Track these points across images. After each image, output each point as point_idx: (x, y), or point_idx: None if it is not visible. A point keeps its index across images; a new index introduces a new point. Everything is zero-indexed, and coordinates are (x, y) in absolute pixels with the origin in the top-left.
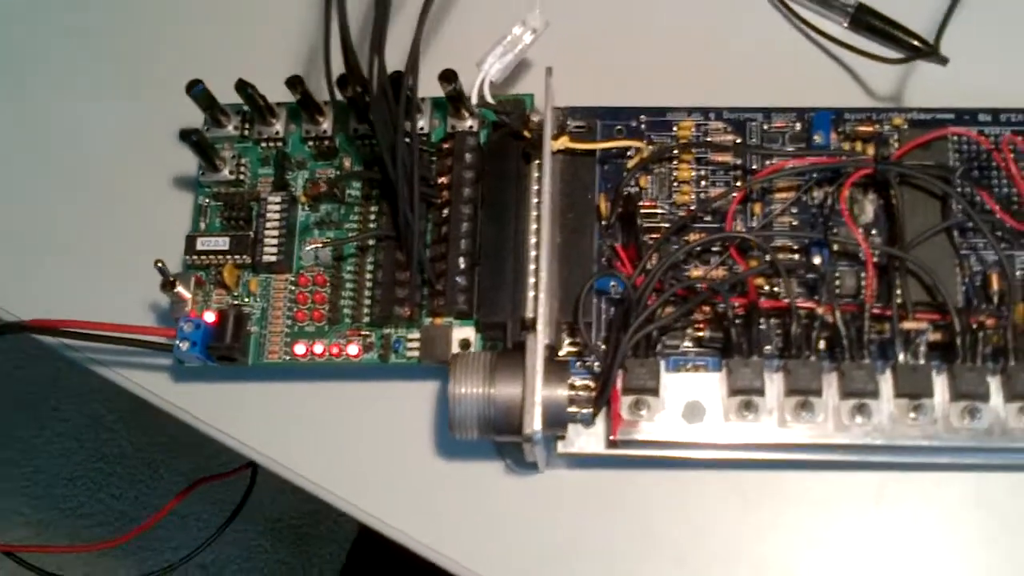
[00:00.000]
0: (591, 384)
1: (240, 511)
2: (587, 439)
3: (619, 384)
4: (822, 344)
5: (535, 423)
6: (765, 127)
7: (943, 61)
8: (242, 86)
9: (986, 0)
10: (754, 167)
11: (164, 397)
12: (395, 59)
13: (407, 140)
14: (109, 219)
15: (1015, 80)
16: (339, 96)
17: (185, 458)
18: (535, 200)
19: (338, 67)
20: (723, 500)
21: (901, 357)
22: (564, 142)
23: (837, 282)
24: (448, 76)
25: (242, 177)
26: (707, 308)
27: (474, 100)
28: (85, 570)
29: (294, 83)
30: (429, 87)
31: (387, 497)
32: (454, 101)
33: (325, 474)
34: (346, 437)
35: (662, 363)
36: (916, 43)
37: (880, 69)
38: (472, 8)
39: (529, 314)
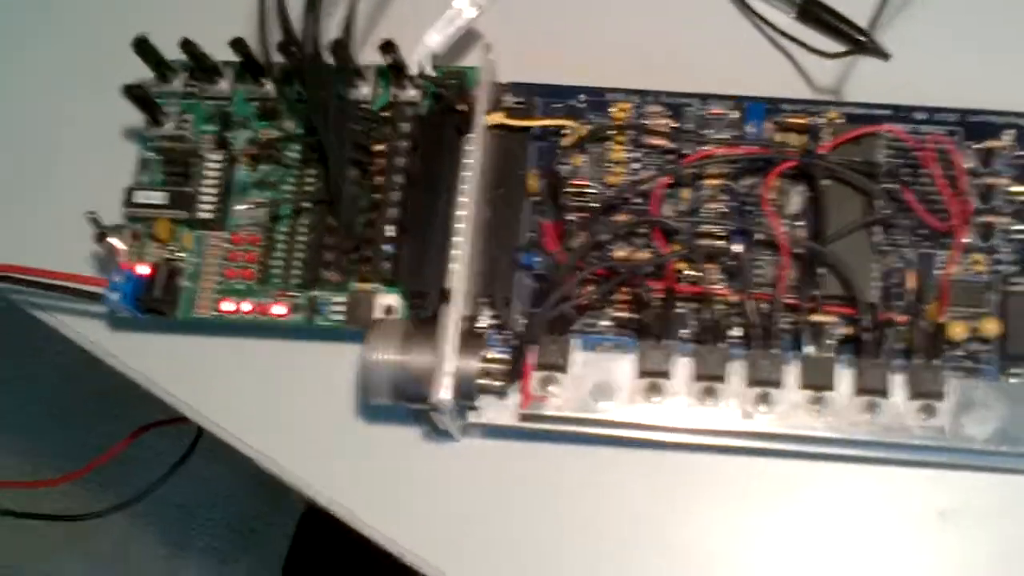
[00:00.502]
0: (505, 357)
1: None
2: (499, 411)
3: (531, 359)
4: (739, 331)
5: (442, 392)
6: (702, 113)
7: (885, 57)
8: (187, 44)
9: None
10: (687, 152)
11: (99, 344)
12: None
13: (339, 106)
14: (59, 169)
15: (956, 79)
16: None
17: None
18: (465, 173)
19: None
20: (632, 479)
21: (810, 349)
22: (498, 117)
23: (760, 271)
24: (386, 47)
25: (185, 133)
26: (628, 289)
27: (414, 71)
28: (54, 506)
29: (237, 45)
30: (377, 55)
31: (306, 455)
32: (396, 71)
33: (247, 428)
34: (272, 394)
35: (577, 341)
36: (860, 38)
37: (824, 62)
38: None
39: (449, 285)
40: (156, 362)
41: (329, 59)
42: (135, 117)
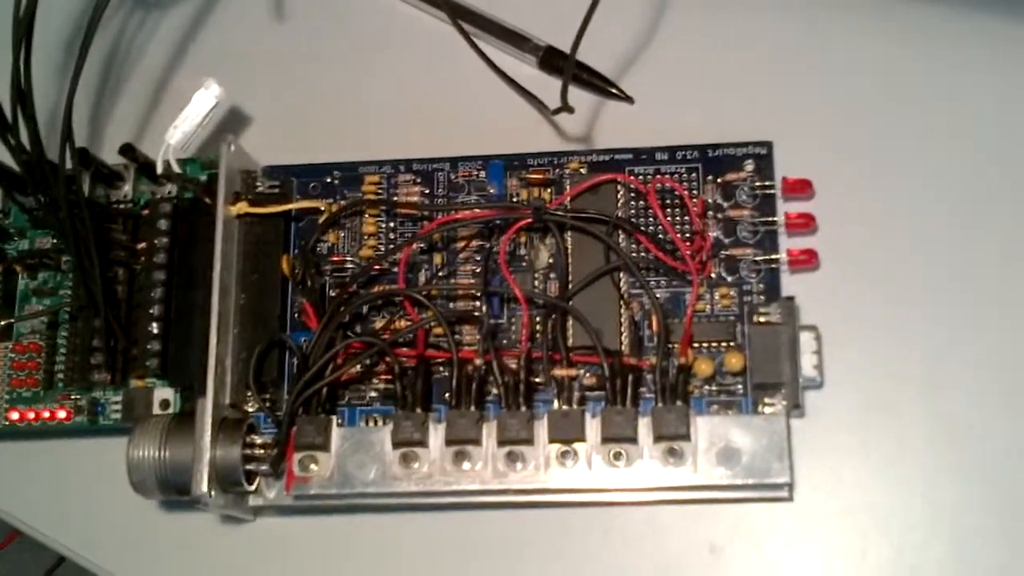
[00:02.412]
0: (271, 441)
1: None
2: (279, 492)
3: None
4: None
5: (202, 485)
6: (452, 177)
7: (629, 100)
8: None
9: (674, 38)
10: (438, 216)
11: None
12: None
13: (75, 211)
14: None
15: (697, 117)
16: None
17: None
18: (213, 263)
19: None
20: (415, 542)
21: (555, 404)
22: (242, 208)
23: (513, 329)
24: (125, 149)
25: None
26: (384, 359)
27: (159, 170)
28: None
29: None
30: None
31: (106, 546)
32: (148, 171)
33: (53, 526)
34: (71, 491)
35: (339, 417)
36: (599, 84)
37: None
38: (188, 80)
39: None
40: None
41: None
42: None
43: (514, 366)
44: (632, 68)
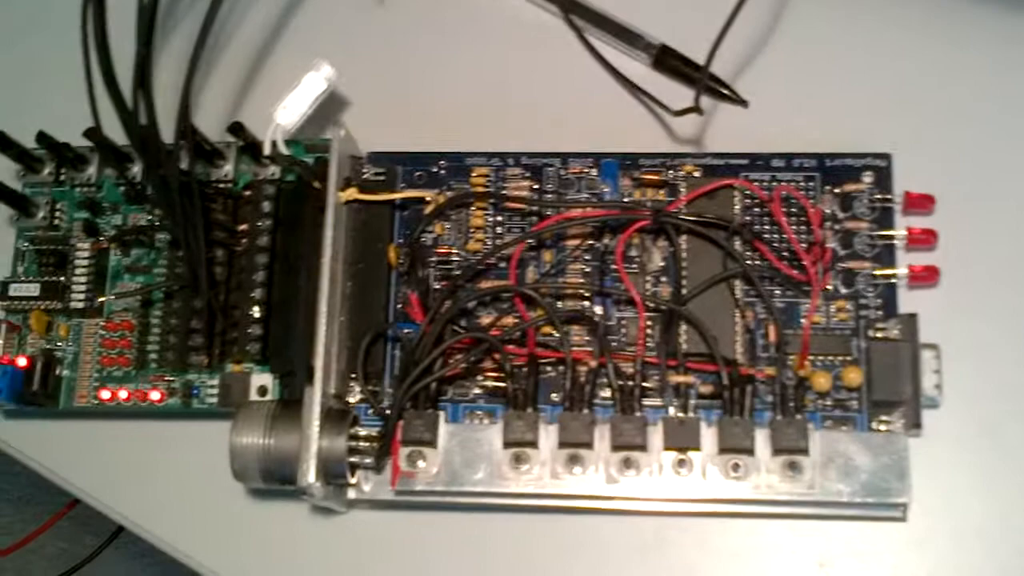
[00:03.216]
0: (376, 433)
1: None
2: (378, 485)
3: (399, 435)
4: (607, 393)
5: (310, 475)
6: (562, 173)
7: (743, 103)
8: (43, 137)
9: (791, 41)
10: (549, 212)
11: None
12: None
13: (186, 188)
14: None
15: (813, 123)
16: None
17: None
18: (323, 250)
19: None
20: (513, 543)
21: (671, 411)
22: (352, 193)
23: (624, 330)
24: (235, 128)
25: (57, 222)
26: (492, 356)
27: (266, 151)
28: None
29: (90, 134)
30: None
31: (195, 534)
32: (252, 151)
33: (137, 510)
34: (159, 475)
35: (445, 413)
36: (715, 86)
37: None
38: (286, 59)
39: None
40: (43, 447)
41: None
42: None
43: (628, 369)
44: (746, 70)
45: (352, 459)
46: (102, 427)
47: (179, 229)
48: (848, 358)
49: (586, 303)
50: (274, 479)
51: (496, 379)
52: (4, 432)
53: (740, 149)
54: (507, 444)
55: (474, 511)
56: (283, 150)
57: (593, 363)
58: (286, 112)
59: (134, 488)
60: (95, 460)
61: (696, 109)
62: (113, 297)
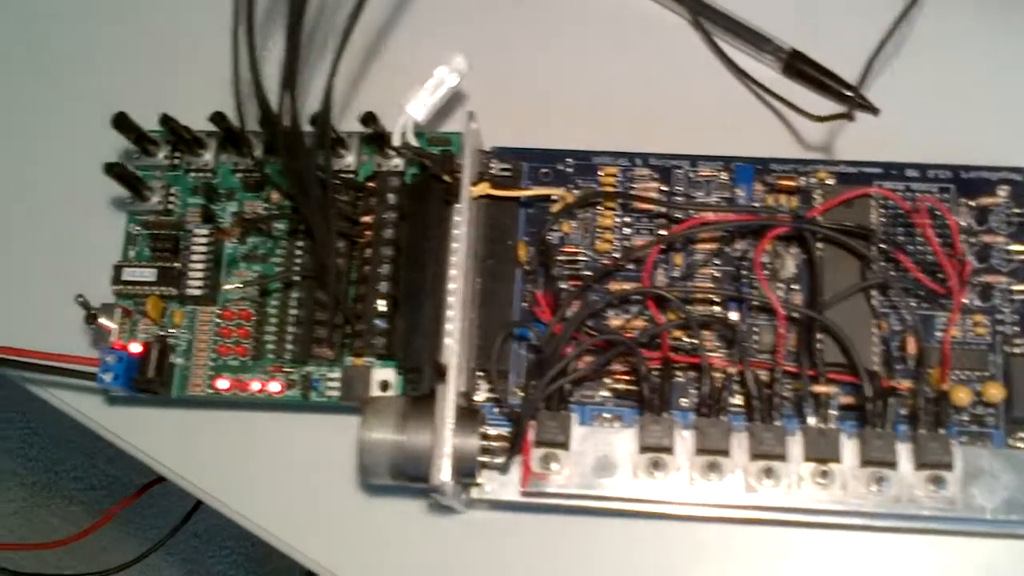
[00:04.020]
0: (504, 433)
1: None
2: (501, 486)
3: (530, 435)
4: (738, 400)
5: (444, 474)
6: (691, 175)
7: (874, 111)
8: (166, 121)
9: (922, 49)
10: (678, 215)
11: (94, 419)
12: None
13: (322, 180)
14: (47, 243)
15: (946, 134)
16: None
17: None
18: (454, 245)
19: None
20: (637, 550)
21: (811, 420)
22: (484, 188)
23: (756, 337)
24: (367, 119)
25: (171, 207)
26: (625, 358)
27: (396, 142)
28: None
29: (217, 119)
30: (357, 123)
31: (306, 529)
32: (378, 140)
33: (246, 502)
34: (270, 467)
35: (575, 415)
36: (847, 92)
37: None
38: (411, 47)
39: (444, 361)
40: (152, 437)
41: (309, 130)
42: (120, 190)
43: (764, 377)
44: (877, 77)
45: (482, 458)
46: (204, 416)
47: (314, 222)
48: (985, 373)
49: (716, 308)
50: (404, 476)
51: (627, 382)
52: (105, 419)
53: (867, 157)
54: (643, 449)
55: (596, 515)
56: (412, 142)
57: (732, 369)
58: (419, 104)
59: (244, 480)
60: (198, 449)
61: (847, 115)
62: (241, 285)
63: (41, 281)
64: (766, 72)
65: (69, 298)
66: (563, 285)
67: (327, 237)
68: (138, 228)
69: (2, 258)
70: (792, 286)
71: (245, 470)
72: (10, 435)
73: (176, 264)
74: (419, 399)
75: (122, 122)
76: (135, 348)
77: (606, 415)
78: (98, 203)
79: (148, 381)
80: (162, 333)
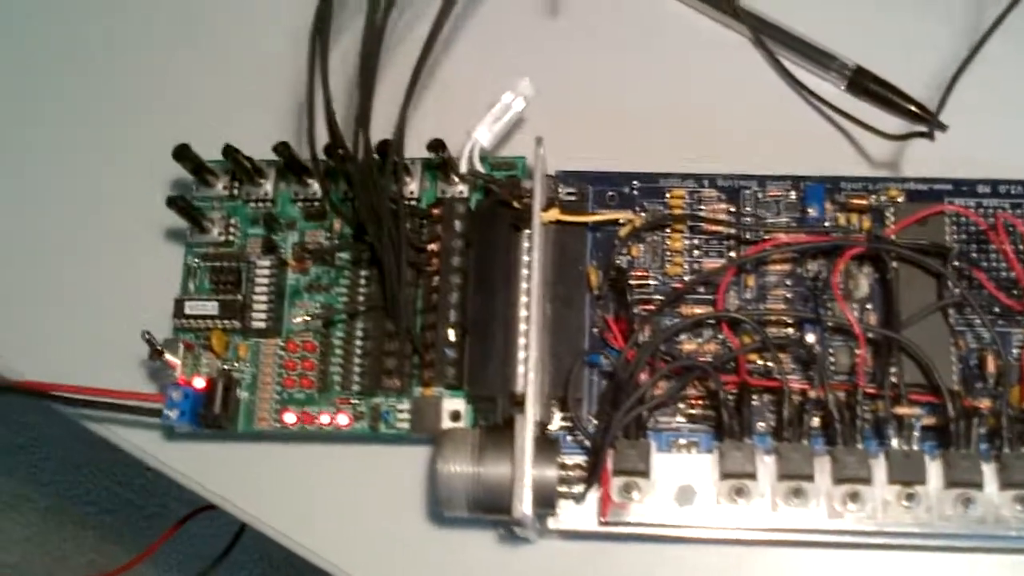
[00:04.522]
0: (580, 463)
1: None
2: (578, 516)
3: (609, 464)
4: (816, 422)
5: (524, 506)
6: (759, 196)
7: (942, 128)
8: (228, 152)
9: (987, 65)
10: (748, 235)
11: (155, 456)
12: (387, 120)
13: (393, 210)
14: (106, 277)
15: (1015, 149)
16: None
17: None
18: (524, 271)
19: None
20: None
21: (894, 443)
22: (554, 214)
23: (832, 359)
24: (435, 146)
25: (231, 238)
26: (700, 383)
27: (463, 168)
28: None
29: (280, 150)
30: (421, 149)
31: (376, 563)
32: (442, 167)
33: (314, 538)
34: (337, 501)
35: (653, 442)
36: (914, 109)
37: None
38: (467, 71)
39: (519, 390)
40: (215, 472)
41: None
42: (177, 220)
43: (843, 399)
44: (939, 94)
45: (561, 488)
46: (264, 450)
47: (387, 254)
48: None
49: (790, 330)
50: (482, 508)
51: (702, 407)
52: (166, 455)
53: (933, 174)
54: (724, 475)
55: (673, 542)
56: (479, 168)
57: (813, 393)
58: (485, 129)
59: (311, 513)
60: (262, 483)
61: (927, 134)
62: (309, 318)
63: (95, 316)
64: (829, 89)
65: (122, 332)
66: (635, 310)
67: (398, 267)
68: (196, 260)
69: (53, 292)
70: (866, 306)
71: (308, 503)
72: (23, 460)
73: (239, 296)
74: (492, 429)
75: (183, 153)
76: (199, 383)
77: (682, 441)
78: (152, 236)
79: (215, 416)
80: (226, 367)
